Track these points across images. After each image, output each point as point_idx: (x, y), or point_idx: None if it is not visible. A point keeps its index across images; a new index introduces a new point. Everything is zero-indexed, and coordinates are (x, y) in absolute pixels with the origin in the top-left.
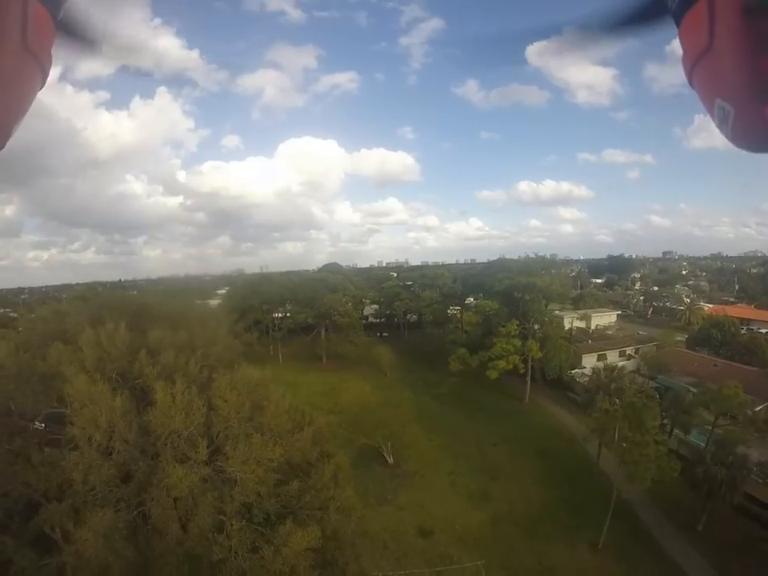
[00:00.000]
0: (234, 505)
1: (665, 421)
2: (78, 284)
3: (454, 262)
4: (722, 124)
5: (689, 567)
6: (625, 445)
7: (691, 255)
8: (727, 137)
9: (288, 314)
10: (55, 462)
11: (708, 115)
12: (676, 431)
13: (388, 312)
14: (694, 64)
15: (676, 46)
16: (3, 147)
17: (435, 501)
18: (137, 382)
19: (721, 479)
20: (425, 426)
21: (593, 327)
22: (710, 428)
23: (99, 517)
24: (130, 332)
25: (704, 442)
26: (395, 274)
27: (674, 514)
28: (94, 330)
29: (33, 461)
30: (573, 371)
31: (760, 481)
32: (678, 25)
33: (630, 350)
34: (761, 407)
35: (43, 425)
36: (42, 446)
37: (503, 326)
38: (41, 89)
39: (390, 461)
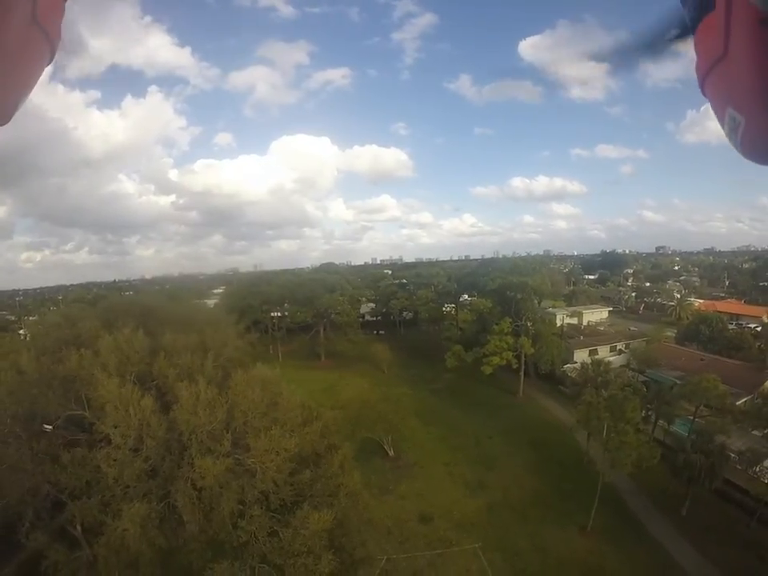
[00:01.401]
0: (254, 493)
1: (650, 412)
2: (72, 285)
3: (448, 259)
4: (731, 133)
5: (672, 548)
6: (607, 434)
7: (684, 250)
8: (736, 147)
9: (287, 314)
10: (85, 461)
11: (700, 112)
12: (661, 422)
13: (384, 310)
14: (707, 72)
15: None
16: (9, 121)
17: (434, 490)
18: (154, 383)
19: (700, 466)
20: (423, 419)
21: (585, 323)
22: (692, 418)
23: (136, 508)
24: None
25: (687, 432)
26: (389, 272)
27: (659, 500)
28: (112, 335)
29: (62, 460)
30: (565, 366)
31: (740, 468)
32: (692, 32)
33: (620, 346)
34: (744, 399)
35: (50, 427)
36: (65, 447)
37: (497, 324)
38: (49, 63)
39: (391, 453)
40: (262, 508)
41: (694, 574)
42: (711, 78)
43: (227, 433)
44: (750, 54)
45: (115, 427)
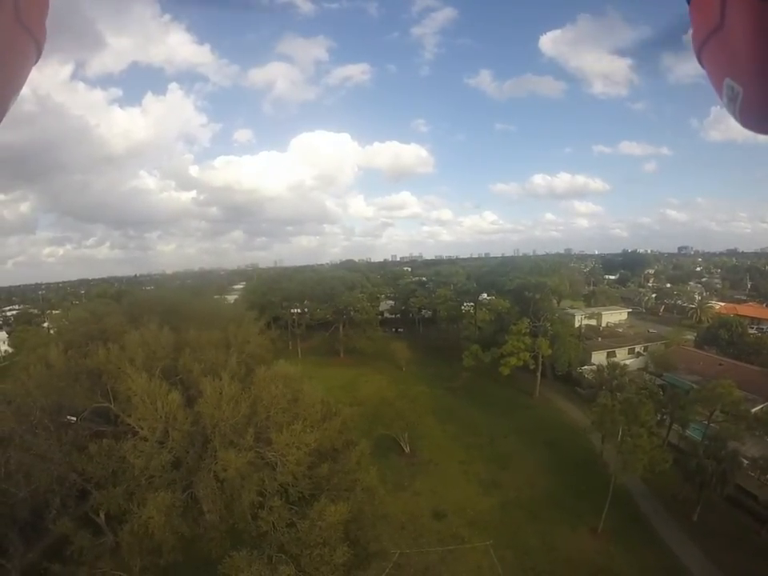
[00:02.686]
0: (274, 485)
1: (665, 416)
2: (94, 279)
3: (468, 256)
4: (729, 103)
5: (681, 553)
6: (621, 437)
7: (707, 251)
8: (735, 117)
9: (306, 311)
10: (111, 452)
11: (724, 109)
12: (675, 426)
13: (403, 308)
14: (703, 42)
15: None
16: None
17: (448, 487)
18: (178, 377)
19: (712, 471)
20: (439, 417)
21: (603, 325)
22: (706, 423)
23: (161, 497)
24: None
25: (701, 437)
26: (409, 269)
27: (670, 504)
28: (138, 331)
29: (89, 451)
30: (582, 368)
31: (753, 475)
32: (688, 2)
33: (638, 348)
34: (761, 406)
35: (74, 419)
36: (92, 438)
37: (515, 324)
38: (35, 63)
39: (407, 450)
40: (281, 500)
41: None
42: (708, 48)
43: (250, 427)
44: (746, 24)
45: (143, 420)
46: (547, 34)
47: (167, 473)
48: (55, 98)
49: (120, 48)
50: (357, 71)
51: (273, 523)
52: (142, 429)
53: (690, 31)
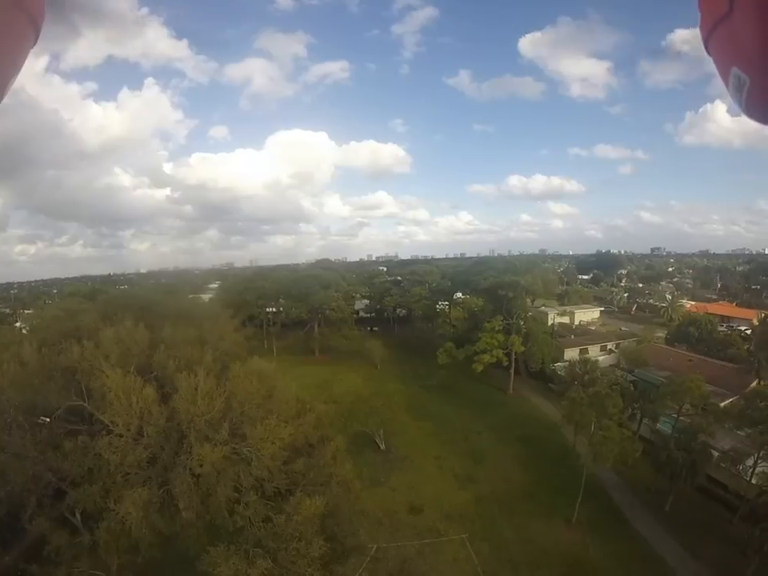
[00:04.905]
0: (250, 480)
1: (635, 410)
2: (67, 278)
3: (444, 257)
4: (735, 93)
5: (654, 541)
6: (591, 429)
7: (679, 252)
8: (740, 107)
9: (282, 309)
10: (86, 449)
11: (698, 114)
12: (647, 421)
13: (378, 307)
14: (711, 30)
15: (671, 41)
16: None
17: (424, 482)
18: (153, 374)
19: (682, 462)
20: (414, 415)
21: (576, 323)
22: (676, 417)
23: (138, 492)
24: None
25: (671, 430)
26: (384, 269)
27: (644, 496)
28: (113, 328)
29: (64, 448)
30: (555, 365)
31: (724, 466)
32: None
33: (611, 345)
34: (730, 400)
35: (47, 419)
36: (67, 436)
37: (488, 322)
38: (34, 45)
39: (382, 447)
40: (257, 494)
41: (675, 567)
42: (715, 36)
43: (225, 422)
44: (755, 12)
45: (118, 416)
46: (527, 35)
47: (143, 470)
48: (29, 91)
49: (96, 41)
50: (336, 68)
51: (249, 518)
52: (117, 425)
53: (698, 20)
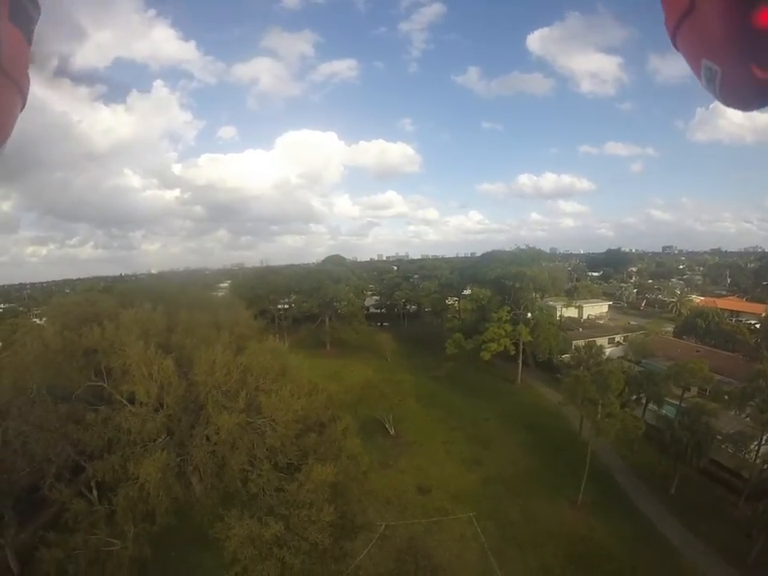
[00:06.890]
0: (263, 450)
1: (641, 395)
2: (78, 279)
3: (454, 256)
4: (709, 84)
5: (659, 523)
6: (593, 405)
7: (691, 250)
8: (715, 96)
9: (293, 304)
10: (107, 421)
11: (709, 110)
12: (652, 406)
13: (388, 303)
14: (677, 26)
15: None
16: None
17: (432, 465)
18: (171, 354)
19: (687, 443)
20: (423, 403)
21: (584, 317)
22: (679, 400)
23: (157, 455)
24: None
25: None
26: (395, 267)
27: (648, 479)
28: (133, 310)
29: (86, 420)
30: (563, 356)
31: (730, 450)
32: None
33: (619, 338)
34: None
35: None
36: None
37: (495, 312)
38: (21, 110)
39: (392, 432)
40: (270, 464)
41: (679, 546)
42: (682, 32)
43: (242, 391)
44: (716, 5)
45: (139, 384)
46: (536, 31)
47: (161, 439)
48: (38, 93)
49: (104, 44)
50: (343, 67)
51: (262, 487)
52: (138, 393)
53: (663, 18)
